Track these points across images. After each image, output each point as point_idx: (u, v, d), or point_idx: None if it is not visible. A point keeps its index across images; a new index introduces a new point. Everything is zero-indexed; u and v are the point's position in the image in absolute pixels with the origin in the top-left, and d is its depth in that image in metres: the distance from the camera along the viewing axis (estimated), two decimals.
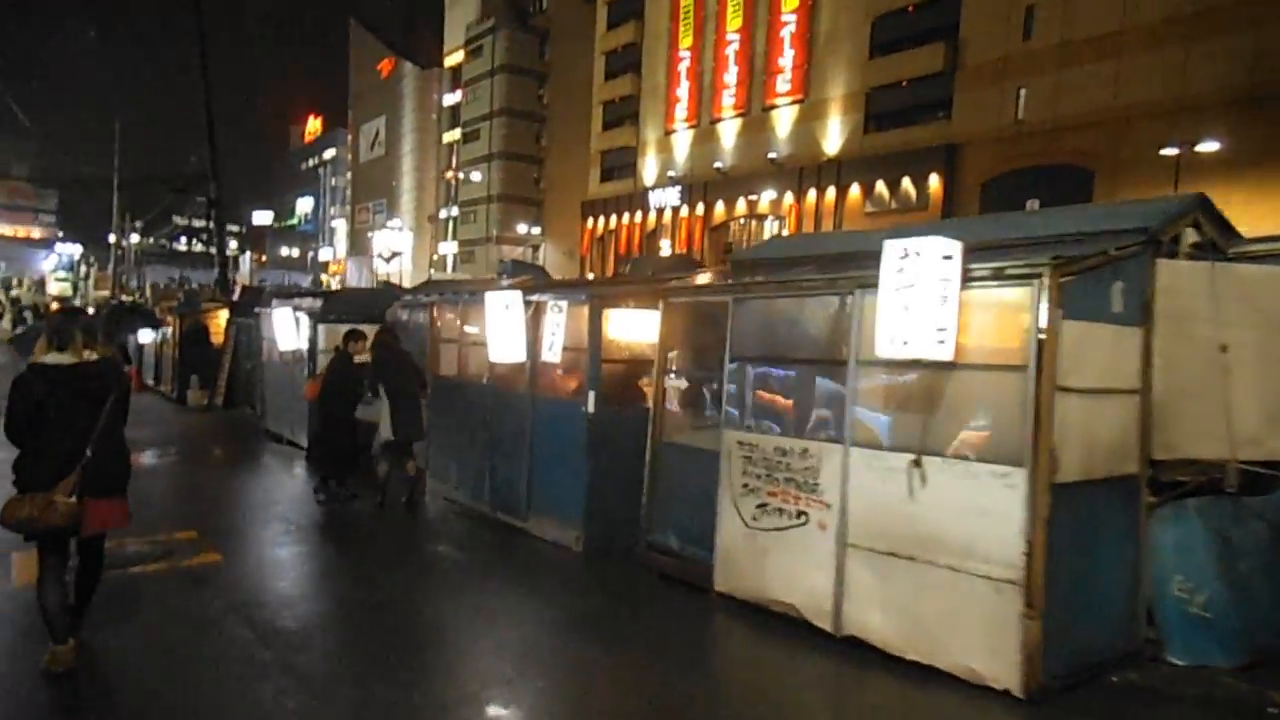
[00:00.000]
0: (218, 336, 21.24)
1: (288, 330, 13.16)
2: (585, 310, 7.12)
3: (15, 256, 72.21)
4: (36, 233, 79.19)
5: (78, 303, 40.05)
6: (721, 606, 6.00)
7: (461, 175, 63.57)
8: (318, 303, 13.32)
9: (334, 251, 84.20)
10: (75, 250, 66.57)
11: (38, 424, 4.42)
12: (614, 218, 51.54)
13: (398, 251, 68.17)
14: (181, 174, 39.77)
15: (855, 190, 38.86)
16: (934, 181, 35.64)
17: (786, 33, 41.23)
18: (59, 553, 4.61)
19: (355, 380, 8.97)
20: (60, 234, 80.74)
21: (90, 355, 4.57)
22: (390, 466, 8.76)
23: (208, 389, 20.14)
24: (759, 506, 5.71)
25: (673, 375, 6.77)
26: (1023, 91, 32.37)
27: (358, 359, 9.17)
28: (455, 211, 65.86)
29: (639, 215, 49.66)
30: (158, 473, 11.24)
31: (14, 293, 46.17)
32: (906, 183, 36.98)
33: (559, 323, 7.43)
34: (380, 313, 13.30)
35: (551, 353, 7.59)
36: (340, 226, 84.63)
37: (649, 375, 7.10)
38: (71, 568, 4.81)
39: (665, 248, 46.51)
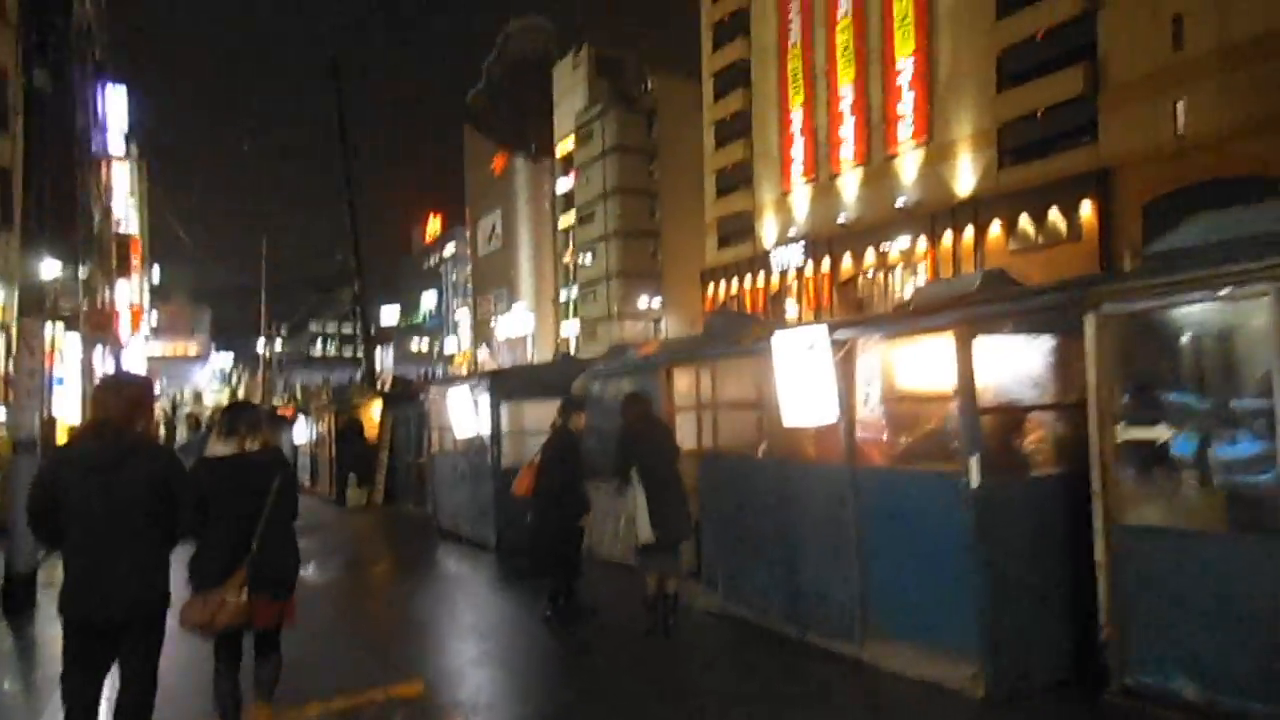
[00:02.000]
0: (372, 431, 19.77)
1: (465, 414, 11.22)
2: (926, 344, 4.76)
3: (175, 373, 75.30)
4: (192, 349, 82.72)
5: None
6: None
7: (580, 257, 63.02)
8: (483, 383, 11.36)
9: (458, 342, 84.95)
10: (227, 361, 68.79)
11: (206, 517, 4.31)
12: (735, 282, 49.58)
13: (502, 342, 67.89)
14: (325, 275, 39.99)
15: (996, 228, 35.82)
16: (1086, 210, 32.35)
17: (904, 79, 39.10)
18: (231, 648, 4.49)
19: (580, 464, 6.81)
20: (214, 347, 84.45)
21: (253, 446, 4.45)
22: (660, 579, 6.47)
23: (366, 487, 18.56)
24: None
25: (1124, 424, 4.27)
26: (1180, 104, 29.11)
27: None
28: (575, 292, 65.16)
29: (761, 278, 47.53)
30: (327, 591, 9.29)
31: (187, 409, 47.22)
32: (1054, 214, 33.72)
33: (874, 367, 5.08)
34: (564, 385, 11.27)
35: (868, 407, 5.22)
36: (464, 318, 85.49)
37: (1018, 425, 4.65)
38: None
39: (791, 308, 44.13)
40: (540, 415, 11.47)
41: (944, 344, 4.90)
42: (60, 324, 20.87)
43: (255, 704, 4.52)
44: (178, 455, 4.32)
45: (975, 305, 4.62)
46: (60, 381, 20.32)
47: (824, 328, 5.34)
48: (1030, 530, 4.59)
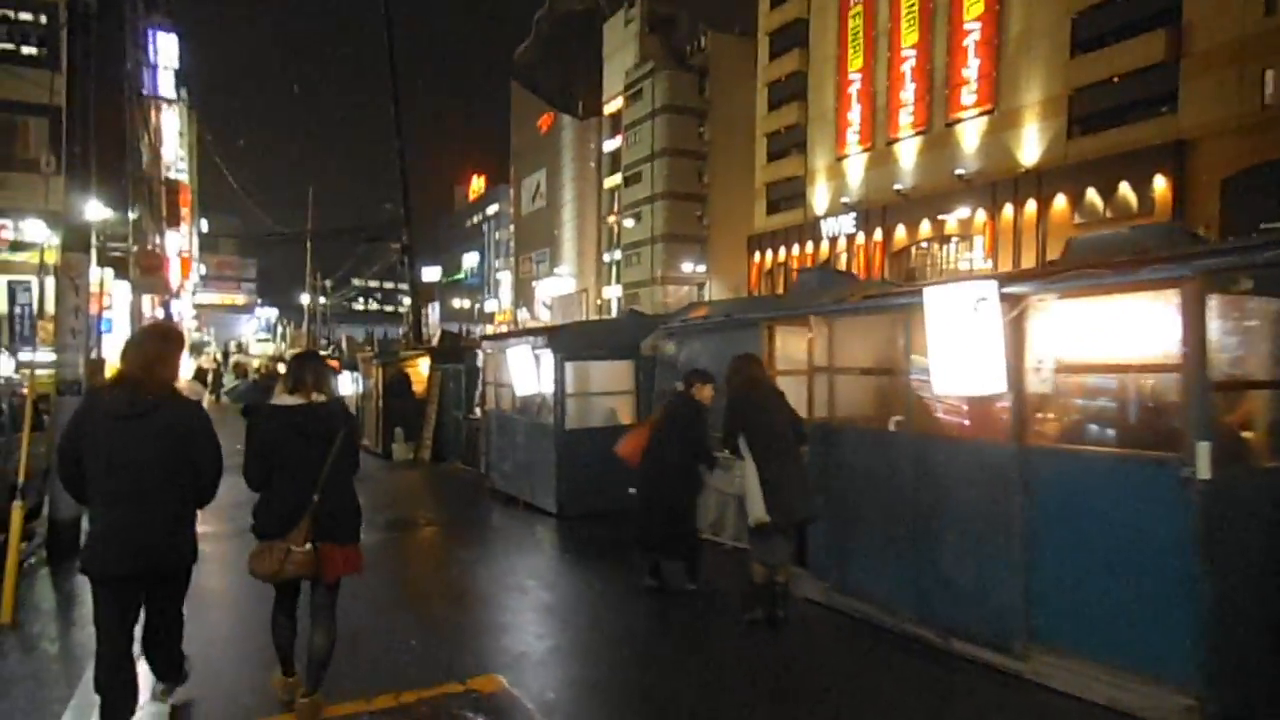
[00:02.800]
0: (419, 386, 19.13)
1: (526, 372, 10.41)
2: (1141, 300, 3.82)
3: (222, 323, 75.80)
4: (240, 299, 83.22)
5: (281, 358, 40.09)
6: None
7: (624, 219, 61.92)
8: (547, 341, 10.51)
9: (499, 303, 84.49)
10: (272, 313, 68.96)
11: (270, 466, 4.28)
12: (782, 250, 48.25)
13: (550, 302, 67.23)
14: (373, 224, 39.39)
15: (1060, 201, 34.20)
16: (1159, 184, 30.67)
17: (970, 41, 37.31)
18: (289, 594, 4.48)
19: (706, 436, 6.00)
20: (259, 300, 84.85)
21: (319, 397, 4.38)
22: (774, 564, 5.64)
23: (413, 442, 17.96)
24: None
25: None
26: (1269, 73, 27.29)
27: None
28: (618, 255, 64.12)
29: (810, 246, 46.21)
30: (380, 555, 8.60)
31: (235, 357, 47.32)
32: (1124, 188, 32.01)
33: (1050, 328, 4.14)
34: (633, 344, 10.42)
35: (1041, 376, 4.30)
36: (505, 278, 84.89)
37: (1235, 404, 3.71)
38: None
39: None
40: (607, 376, 10.69)
41: (1146, 304, 3.95)
42: (109, 269, 20.45)
43: (303, 697, 4.31)
44: (202, 411, 4.20)
45: (1208, 256, 3.65)
46: (109, 327, 19.94)
47: (994, 281, 4.40)
48: (1266, 533, 3.68)
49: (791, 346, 6.84)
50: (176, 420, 3.91)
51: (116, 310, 20.33)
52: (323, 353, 42.75)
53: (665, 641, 5.74)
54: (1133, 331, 4.25)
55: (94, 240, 20.31)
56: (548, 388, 10.15)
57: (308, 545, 4.18)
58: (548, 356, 10.04)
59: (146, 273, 19.45)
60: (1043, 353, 4.44)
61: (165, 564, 3.91)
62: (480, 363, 15.39)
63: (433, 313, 44.55)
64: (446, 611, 6.61)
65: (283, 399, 4.39)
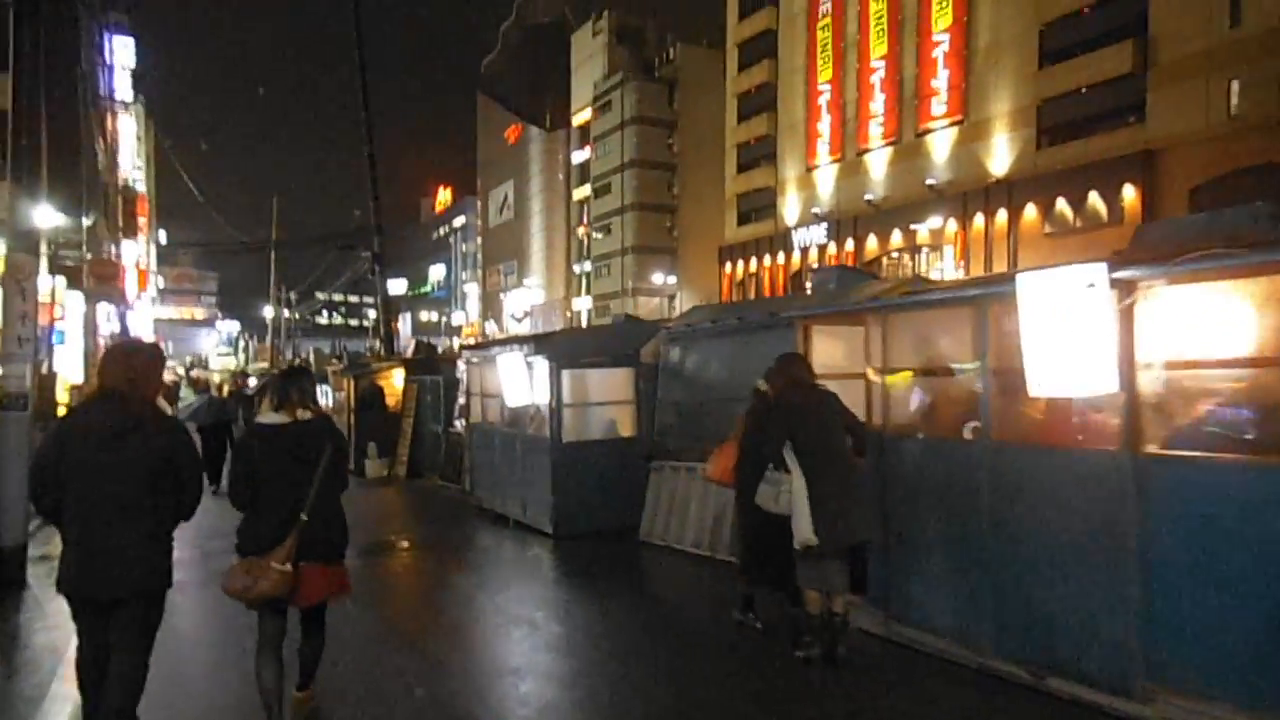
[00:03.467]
0: (392, 399, 18.23)
1: (518, 382, 9.64)
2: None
3: (181, 338, 73.66)
4: (199, 313, 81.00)
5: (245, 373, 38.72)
6: None
7: (594, 230, 61.21)
8: (541, 349, 9.76)
9: (466, 315, 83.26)
10: (234, 327, 67.07)
11: (256, 485, 4.14)
12: (754, 261, 47.92)
13: (529, 311, 66.32)
14: (342, 233, 38.24)
15: (1031, 211, 34.23)
16: (1129, 193, 30.75)
17: (939, 52, 37.36)
18: (275, 623, 4.20)
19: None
20: (220, 314, 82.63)
21: (304, 415, 4.24)
22: (828, 591, 4.94)
23: (387, 458, 17.04)
24: None
25: None
26: (1235, 84, 27.51)
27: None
28: (588, 267, 63.33)
29: (781, 257, 45.94)
30: (367, 579, 7.77)
31: (194, 371, 45.70)
32: (1094, 198, 32.08)
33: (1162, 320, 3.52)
34: (633, 350, 9.72)
35: (1156, 374, 3.68)
36: (472, 291, 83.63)
37: None
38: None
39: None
40: (605, 385, 9.96)
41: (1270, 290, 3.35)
42: (62, 278, 19.26)
43: (295, 693, 4.32)
44: (184, 428, 3.99)
45: None
46: (61, 338, 18.74)
47: (1103, 265, 3.77)
48: None
49: (823, 350, 6.18)
50: (160, 439, 3.75)
51: (69, 322, 19.12)
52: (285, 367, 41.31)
53: (710, 687, 4.99)
54: (1260, 322, 3.65)
55: (45, 248, 19.15)
56: (542, 398, 9.40)
57: (287, 565, 4.01)
58: (542, 365, 9.29)
59: (101, 281, 18.32)
60: (1160, 346, 3.82)
61: (138, 585, 3.68)
62: (460, 374, 14.58)
63: (404, 325, 43.44)
64: (450, 651, 5.81)
65: (268, 417, 4.26)
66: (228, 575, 4.07)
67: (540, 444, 9.37)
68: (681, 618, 6.48)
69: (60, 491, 3.66)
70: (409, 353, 21.15)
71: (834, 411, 5.11)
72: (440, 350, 21.49)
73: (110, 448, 3.64)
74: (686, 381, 8.68)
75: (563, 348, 9.56)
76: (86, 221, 19.29)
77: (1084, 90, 32.05)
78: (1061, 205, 33.01)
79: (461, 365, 14.52)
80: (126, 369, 3.80)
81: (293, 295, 48.54)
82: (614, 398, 9.61)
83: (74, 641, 3.77)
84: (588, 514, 9.15)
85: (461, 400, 14.50)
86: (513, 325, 67.07)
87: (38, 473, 3.76)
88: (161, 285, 67.88)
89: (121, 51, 32.06)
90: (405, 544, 9.96)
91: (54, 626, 6.48)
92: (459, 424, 14.19)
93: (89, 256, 18.98)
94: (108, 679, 3.71)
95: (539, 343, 9.53)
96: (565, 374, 9.15)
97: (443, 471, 14.86)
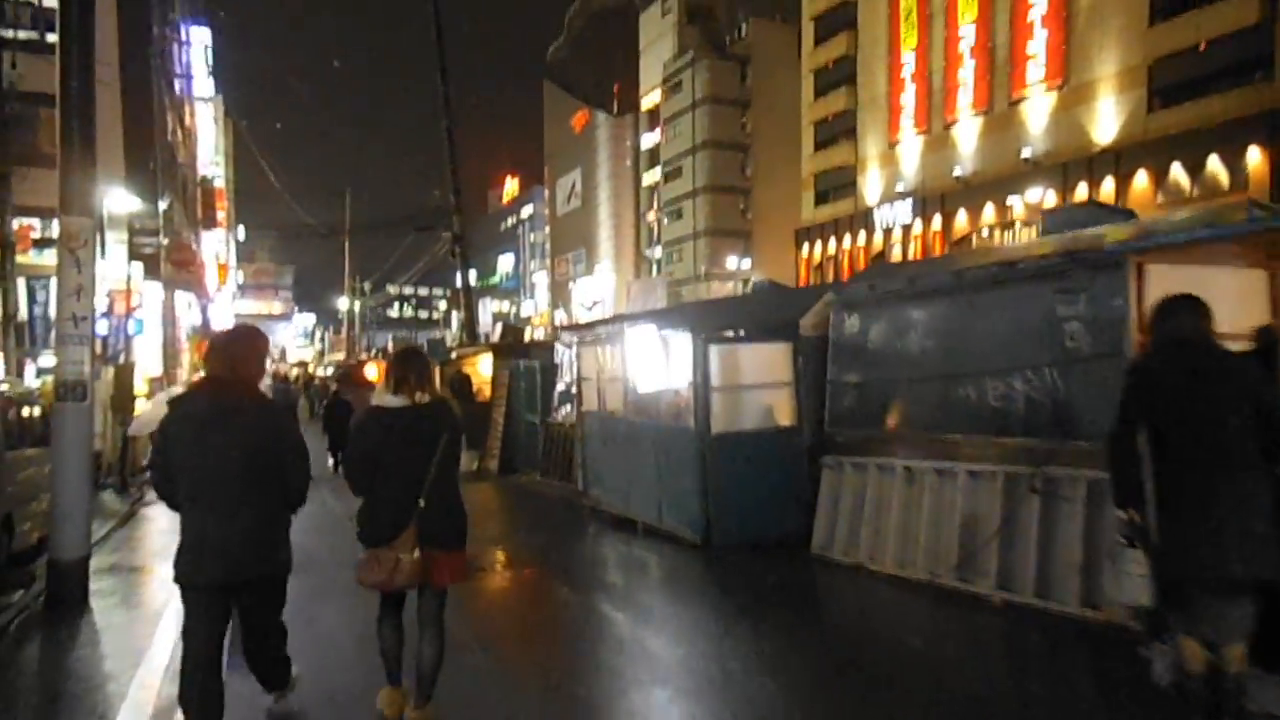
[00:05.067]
0: (480, 388, 16.74)
1: (651, 363, 7.86)
2: None
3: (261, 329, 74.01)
4: (278, 307, 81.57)
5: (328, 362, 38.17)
6: None
7: (664, 215, 59.33)
8: (682, 320, 7.94)
9: (535, 305, 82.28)
10: (310, 320, 67.22)
11: (375, 470, 4.02)
12: (833, 242, 45.52)
13: (599, 300, 64.90)
14: (420, 214, 37.16)
15: (1141, 179, 31.26)
16: (1254, 156, 27.68)
17: (1036, 14, 34.53)
18: (396, 601, 4.20)
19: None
20: (296, 306, 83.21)
21: (423, 398, 4.07)
22: (1207, 645, 3.08)
23: (476, 451, 15.53)
24: None
25: None
26: None
27: None
28: (659, 253, 61.45)
29: (862, 237, 43.49)
30: (479, 604, 6.10)
31: (274, 365, 45.38)
32: (1214, 162, 29.03)
33: None
34: (786, 322, 7.87)
35: None
36: (541, 280, 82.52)
37: None
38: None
39: None
40: (758, 364, 8.14)
41: None
42: (139, 264, 18.25)
43: (415, 710, 3.96)
44: (284, 412, 4.05)
45: None
46: (140, 329, 17.72)
47: None
48: None
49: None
50: (261, 422, 3.75)
51: (147, 311, 18.09)
52: (362, 356, 40.74)
53: None
54: None
55: (123, 235, 18.11)
56: (682, 380, 7.63)
57: (415, 553, 3.91)
58: (682, 340, 7.51)
59: (179, 268, 17.22)
60: None
61: (257, 573, 3.71)
62: (560, 358, 12.94)
63: (483, 312, 42.35)
64: (618, 708, 4.10)
65: (385, 400, 4.08)
66: (361, 569, 3.95)
67: (682, 435, 7.62)
68: (949, 675, 4.63)
69: (174, 479, 3.64)
70: (495, 338, 19.67)
71: (1238, 391, 3.22)
72: (521, 331, 19.97)
73: (212, 433, 3.59)
74: (872, 358, 6.81)
75: (707, 319, 7.76)
76: (163, 205, 18.20)
77: (1202, 46, 29.06)
78: (1176, 172, 30.06)
79: (560, 348, 12.89)
80: (227, 354, 3.77)
81: (367, 285, 47.86)
82: (769, 379, 7.78)
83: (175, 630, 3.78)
84: (742, 520, 7.38)
85: (561, 386, 12.87)
86: (582, 314, 65.73)
87: (154, 463, 3.83)
88: (241, 280, 68.38)
89: (198, 41, 31.32)
90: (515, 556, 8.26)
91: (117, 654, 5.25)
92: (562, 413, 12.57)
93: (165, 242, 17.90)
94: (252, 648, 3.91)
95: (678, 314, 7.74)
96: (715, 350, 7.35)
97: (542, 467, 13.25)
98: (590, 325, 12.86)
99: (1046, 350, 5.19)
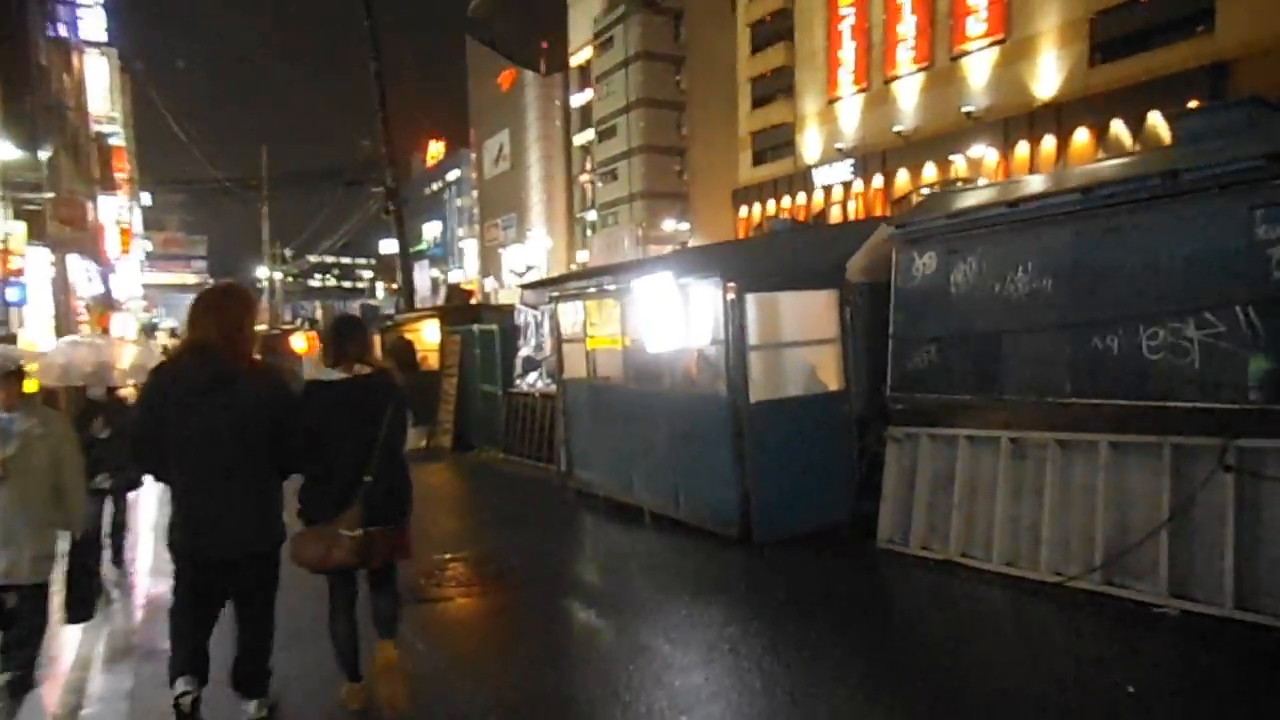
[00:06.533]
0: (426, 356, 14.92)
1: (666, 316, 6.32)
2: None
3: (172, 303, 70.04)
4: (190, 279, 76.73)
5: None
6: None
7: (599, 177, 57.19)
8: (707, 266, 6.38)
9: (464, 273, 79.35)
10: None
11: (317, 447, 3.79)
12: (772, 203, 44.45)
13: (532, 265, 62.76)
14: (348, 167, 34.26)
15: (1082, 135, 30.88)
16: None
17: None
18: (346, 588, 4.02)
19: None
20: (210, 278, 78.49)
21: (363, 370, 3.94)
22: None
23: (426, 426, 13.76)
24: None
25: None
26: None
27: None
28: (594, 216, 59.36)
29: (802, 197, 42.53)
30: (420, 637, 4.51)
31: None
32: (1155, 118, 28.75)
33: None
34: (827, 267, 6.42)
35: None
36: (469, 247, 79.39)
37: None
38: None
39: None
40: (798, 317, 6.65)
41: None
42: (21, 224, 15.66)
43: (380, 642, 3.99)
44: (283, 379, 3.75)
45: None
46: (23, 296, 15.20)
47: None
48: None
49: None
50: (260, 391, 3.53)
51: (32, 277, 15.54)
52: (287, 327, 37.92)
53: None
54: None
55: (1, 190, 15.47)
56: (706, 339, 6.10)
57: (358, 530, 3.70)
58: (708, 290, 5.96)
59: (68, 225, 14.72)
60: None
61: (255, 548, 3.52)
62: (522, 320, 11.27)
63: (421, 276, 39.74)
64: None
65: (324, 373, 3.89)
66: (296, 544, 3.75)
67: (708, 405, 6.11)
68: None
69: (160, 454, 3.43)
70: (440, 302, 17.76)
71: None
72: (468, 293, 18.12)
73: (211, 403, 3.40)
74: (956, 305, 5.40)
75: (733, 264, 6.22)
76: (44, 154, 15.62)
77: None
78: (1117, 128, 29.71)
79: (523, 309, 11.22)
80: (222, 319, 3.48)
81: (288, 252, 44.65)
82: (812, 335, 6.30)
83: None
84: (788, 508, 5.94)
85: (526, 351, 11.21)
86: (513, 281, 63.48)
87: (139, 428, 3.54)
88: (149, 249, 63.88)
89: None
90: (493, 564, 6.53)
91: None
92: (528, 381, 10.92)
93: (50, 197, 15.35)
94: (238, 632, 3.60)
95: (698, 258, 6.18)
96: (751, 300, 5.82)
97: (505, 443, 11.60)
98: (572, 277, 11.19)
99: (1237, 284, 3.89)
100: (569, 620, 5.12)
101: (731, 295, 5.69)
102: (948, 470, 5.32)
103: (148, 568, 6.91)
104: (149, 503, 8.68)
